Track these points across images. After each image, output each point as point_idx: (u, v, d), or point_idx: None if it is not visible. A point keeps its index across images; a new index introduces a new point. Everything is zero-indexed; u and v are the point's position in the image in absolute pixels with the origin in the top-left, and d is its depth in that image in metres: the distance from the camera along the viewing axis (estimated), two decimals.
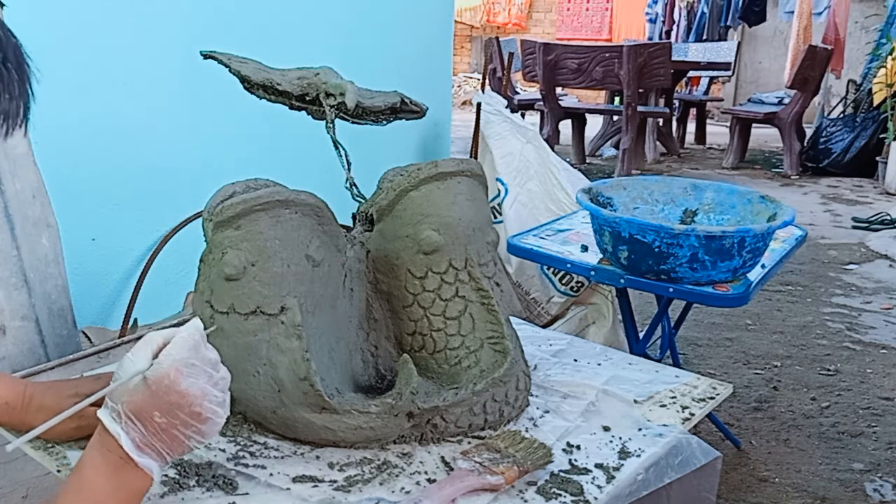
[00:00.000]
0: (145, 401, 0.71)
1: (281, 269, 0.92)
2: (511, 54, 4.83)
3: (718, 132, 8.35)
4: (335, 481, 0.88)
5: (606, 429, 1.01)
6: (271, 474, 0.89)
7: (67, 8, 1.65)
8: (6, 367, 1.42)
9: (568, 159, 4.46)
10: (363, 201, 1.11)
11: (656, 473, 0.93)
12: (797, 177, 6.31)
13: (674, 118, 7.23)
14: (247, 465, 0.91)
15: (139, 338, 1.30)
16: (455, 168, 1.03)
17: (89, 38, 1.71)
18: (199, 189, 1.16)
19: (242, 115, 1.79)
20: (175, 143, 1.93)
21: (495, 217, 2.48)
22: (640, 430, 1.01)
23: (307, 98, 1.11)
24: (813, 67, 6.08)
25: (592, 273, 1.74)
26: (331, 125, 1.11)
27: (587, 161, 6.61)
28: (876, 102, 5.95)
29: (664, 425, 1.02)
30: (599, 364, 1.21)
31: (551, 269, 2.34)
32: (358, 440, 0.93)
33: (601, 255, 1.75)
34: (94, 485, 0.69)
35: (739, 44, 8.06)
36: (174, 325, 1.38)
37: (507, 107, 2.64)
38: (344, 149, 1.12)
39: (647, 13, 9.74)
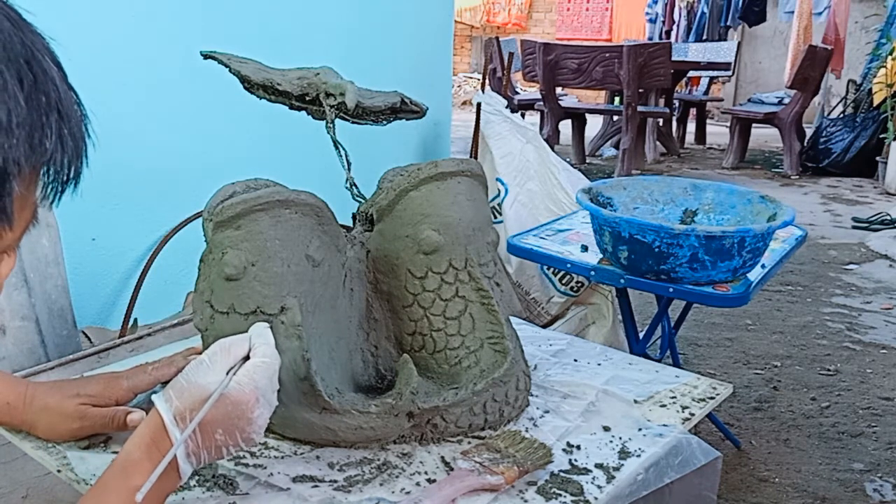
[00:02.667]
0: (216, 417, 0.72)
1: (281, 269, 0.92)
2: (511, 54, 4.83)
3: (718, 132, 8.35)
4: (335, 481, 0.88)
5: (606, 429, 1.01)
6: (271, 474, 0.89)
7: (67, 7, 1.65)
8: (6, 367, 1.42)
9: (568, 159, 4.46)
10: (363, 201, 1.11)
11: (656, 473, 0.93)
12: (797, 177, 6.31)
13: (674, 118, 7.23)
14: (247, 465, 0.91)
15: (139, 338, 1.31)
16: (455, 168, 1.03)
17: (89, 37, 1.71)
18: (199, 189, 1.16)
19: (242, 115, 1.79)
20: (175, 143, 1.93)
21: (495, 217, 2.48)
22: (640, 430, 1.01)
23: (307, 98, 1.11)
24: (813, 67, 6.08)
25: (592, 273, 1.74)
26: (331, 125, 1.11)
27: (587, 161, 6.61)
28: (876, 102, 5.95)
29: (664, 425, 1.02)
30: (599, 364, 1.21)
31: (551, 269, 2.34)
32: (358, 440, 0.93)
33: (601, 255, 1.75)
34: (135, 481, 0.69)
35: (739, 44, 8.06)
36: (174, 324, 1.38)
37: (507, 107, 2.64)
38: (344, 149, 1.12)
39: (647, 13, 9.74)
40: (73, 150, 0.52)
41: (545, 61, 5.86)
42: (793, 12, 7.33)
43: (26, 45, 0.49)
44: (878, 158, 5.95)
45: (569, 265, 1.82)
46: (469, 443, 0.97)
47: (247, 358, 0.77)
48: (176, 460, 0.71)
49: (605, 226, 1.62)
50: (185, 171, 1.93)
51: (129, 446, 0.72)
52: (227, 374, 0.74)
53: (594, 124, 7.16)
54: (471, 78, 11.50)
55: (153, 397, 0.73)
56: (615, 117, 6.80)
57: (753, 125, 6.71)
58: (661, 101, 6.79)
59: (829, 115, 6.87)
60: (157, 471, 0.67)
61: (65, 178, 0.53)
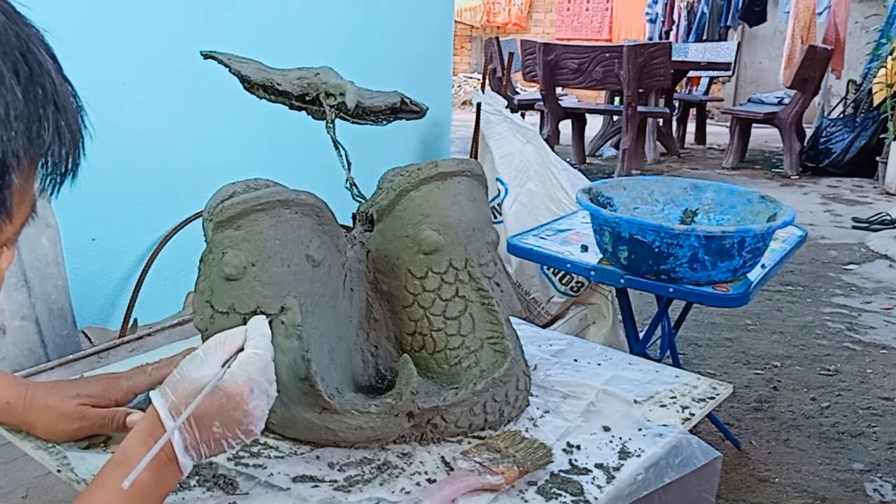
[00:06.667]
0: (210, 410, 0.72)
1: (281, 269, 0.92)
2: (511, 54, 4.82)
3: (718, 132, 8.35)
4: (335, 481, 0.88)
5: (606, 429, 1.01)
6: (271, 474, 0.89)
7: (67, 7, 1.65)
8: (6, 367, 1.42)
9: (568, 159, 4.46)
10: (363, 201, 1.11)
11: (656, 473, 0.93)
12: (797, 177, 6.31)
13: (674, 118, 7.23)
14: (247, 465, 0.91)
15: (139, 338, 1.31)
16: (455, 168, 1.03)
17: (89, 37, 1.71)
18: (199, 189, 1.16)
19: (242, 115, 1.79)
20: (175, 143, 1.93)
21: (495, 217, 2.48)
22: (640, 430, 1.01)
23: (307, 98, 1.11)
24: (813, 67, 6.08)
25: (592, 273, 1.74)
26: (331, 125, 1.11)
27: (587, 161, 6.61)
28: (876, 102, 5.95)
29: (664, 425, 1.02)
30: (599, 364, 1.21)
31: (551, 269, 2.34)
32: (358, 440, 0.93)
33: (601, 255, 1.75)
34: (129, 471, 0.69)
35: (739, 44, 8.05)
36: (174, 324, 1.38)
37: (507, 107, 2.64)
38: (344, 149, 1.12)
39: (647, 13, 9.74)
40: (71, 141, 0.52)
41: (545, 61, 5.86)
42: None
43: (21, 37, 0.49)
44: (878, 158, 5.95)
45: (569, 265, 1.82)
46: (469, 443, 0.97)
47: (242, 350, 0.77)
48: (175, 454, 0.71)
49: (605, 226, 1.62)
50: (185, 171, 1.93)
51: (126, 441, 0.73)
52: (223, 367, 0.74)
53: (594, 124, 7.15)
54: (471, 78, 11.49)
55: (150, 393, 0.74)
56: (615, 117, 6.80)
57: (753, 125, 6.71)
58: (661, 101, 6.78)
59: (829, 115, 6.86)
60: (147, 457, 0.67)
61: (63, 170, 0.53)
